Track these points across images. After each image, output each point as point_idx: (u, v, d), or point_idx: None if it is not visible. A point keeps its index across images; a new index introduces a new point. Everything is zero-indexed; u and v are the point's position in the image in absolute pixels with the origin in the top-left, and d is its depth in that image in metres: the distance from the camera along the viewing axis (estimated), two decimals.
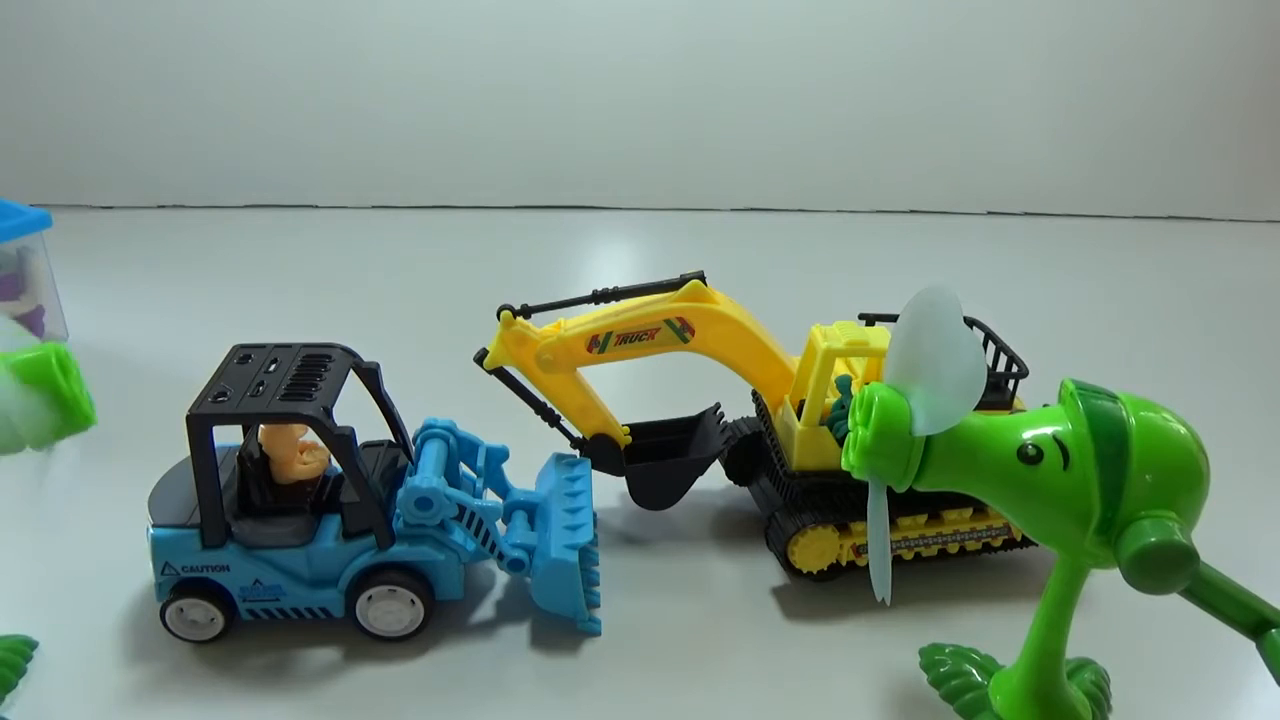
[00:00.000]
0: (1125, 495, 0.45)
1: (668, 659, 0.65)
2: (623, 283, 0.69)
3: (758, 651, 0.66)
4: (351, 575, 0.63)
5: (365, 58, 1.51)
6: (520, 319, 0.68)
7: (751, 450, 0.79)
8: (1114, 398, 0.47)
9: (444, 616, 0.67)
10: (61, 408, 0.51)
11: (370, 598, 0.63)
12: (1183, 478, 0.46)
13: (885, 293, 1.30)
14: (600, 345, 0.69)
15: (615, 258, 1.47)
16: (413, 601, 0.64)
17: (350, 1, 1.47)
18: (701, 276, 0.68)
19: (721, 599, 0.71)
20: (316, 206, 1.59)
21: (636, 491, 0.76)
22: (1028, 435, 0.47)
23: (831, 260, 1.45)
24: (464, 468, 0.72)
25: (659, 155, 1.60)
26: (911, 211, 1.64)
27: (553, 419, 0.73)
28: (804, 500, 0.70)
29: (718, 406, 0.78)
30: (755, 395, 0.77)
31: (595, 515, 0.71)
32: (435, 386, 0.83)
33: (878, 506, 0.51)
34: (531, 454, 0.75)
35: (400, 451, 0.70)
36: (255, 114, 1.53)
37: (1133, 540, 0.44)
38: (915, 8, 1.50)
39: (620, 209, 1.61)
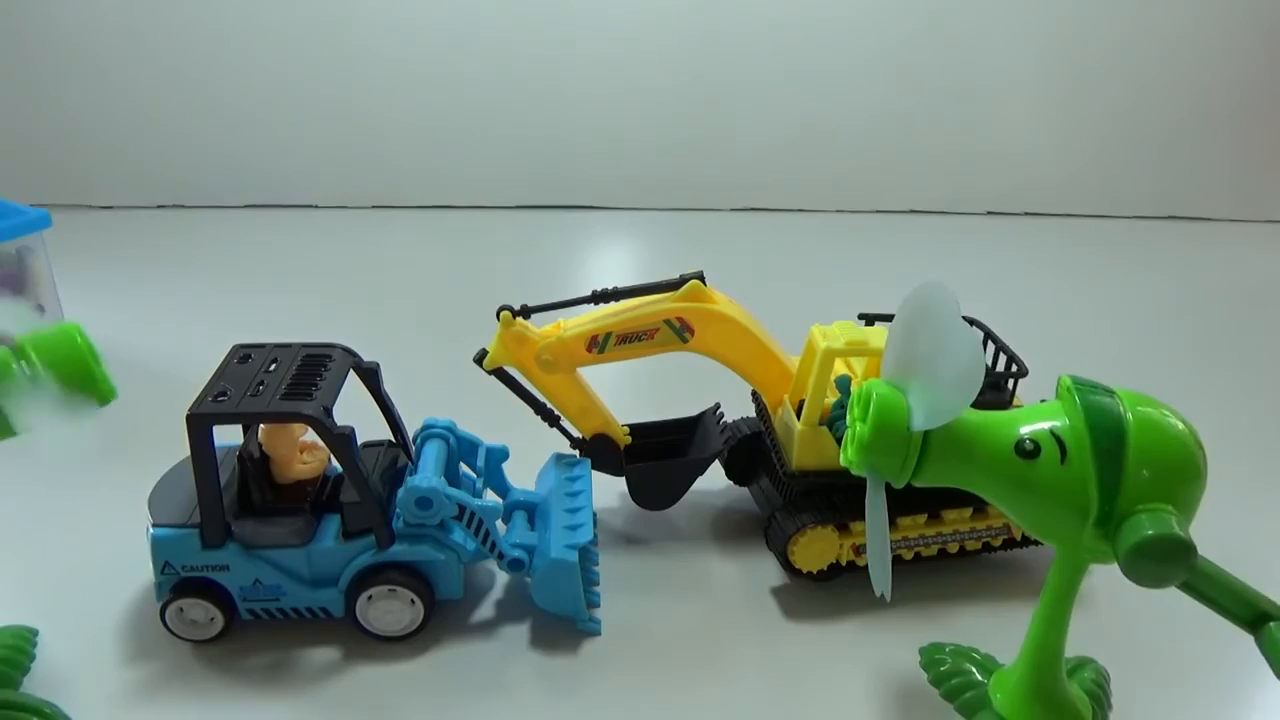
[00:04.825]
0: (1123, 489, 0.45)
1: (668, 659, 0.65)
2: (623, 283, 0.69)
3: (758, 651, 0.66)
4: (351, 575, 0.63)
5: (365, 58, 1.51)
6: (520, 319, 0.68)
7: (751, 450, 0.78)
8: (1111, 393, 0.48)
9: (444, 616, 0.67)
10: (87, 386, 0.52)
11: (370, 597, 0.63)
12: (1180, 472, 0.46)
13: (885, 293, 1.30)
14: (600, 345, 0.69)
15: (615, 258, 1.47)
16: (413, 601, 0.64)
17: (351, 4, 1.47)
18: (701, 276, 0.68)
19: (721, 599, 0.71)
20: (316, 206, 1.59)
21: (636, 492, 0.76)
22: (1025, 430, 0.48)
23: (831, 260, 1.45)
24: (464, 467, 0.72)
25: (659, 155, 1.60)
26: (911, 211, 1.64)
27: (552, 419, 0.73)
28: (804, 500, 0.69)
29: (717, 407, 0.78)
30: (755, 395, 0.77)
31: (595, 515, 0.71)
32: (435, 386, 0.83)
33: (876, 503, 0.51)
34: (531, 454, 0.75)
35: (400, 451, 0.70)
36: (255, 114, 1.53)
37: (1130, 534, 0.44)
38: (915, 9, 1.50)
39: (620, 209, 1.61)
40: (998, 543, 0.72)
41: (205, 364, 0.64)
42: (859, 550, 0.69)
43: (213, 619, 0.64)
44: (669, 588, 0.72)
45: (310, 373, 0.62)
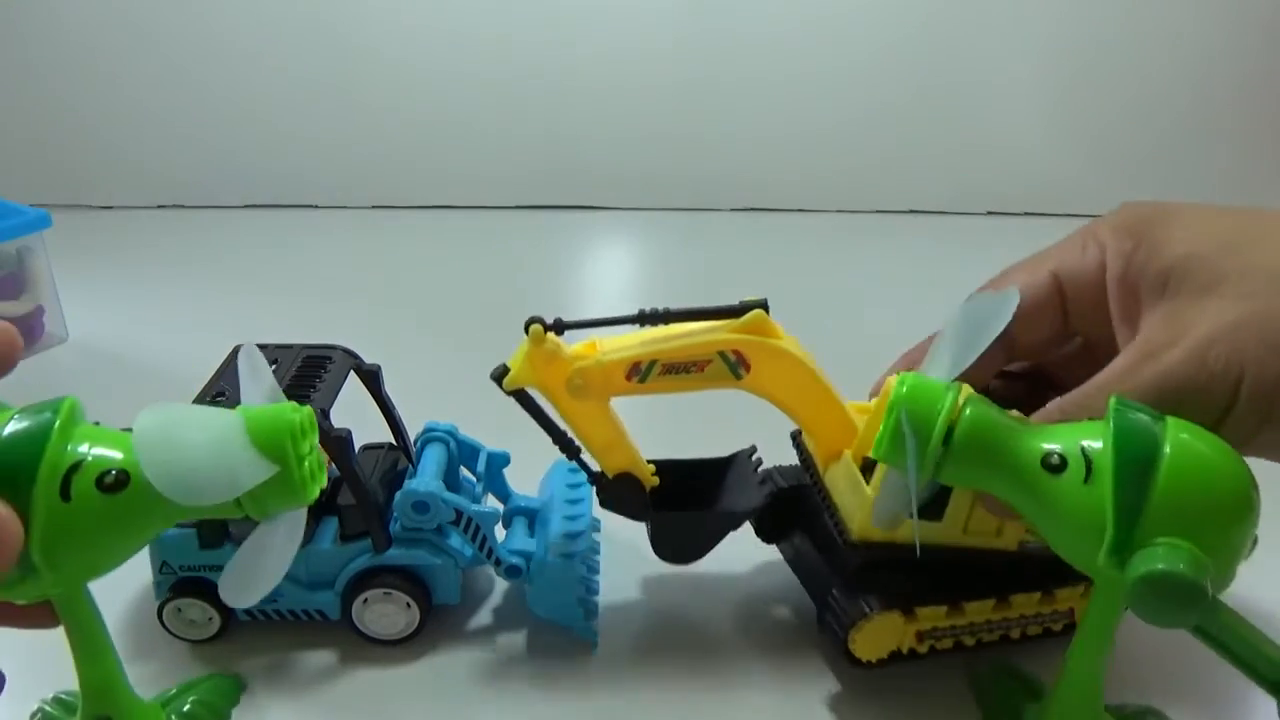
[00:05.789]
0: (1143, 519, 0.42)
1: (665, 666, 0.65)
2: (646, 298, 0.61)
3: (759, 660, 0.66)
4: (348, 578, 0.63)
5: (365, 57, 1.51)
6: (551, 334, 0.58)
7: (787, 504, 0.67)
8: (1159, 419, 0.45)
9: (441, 621, 0.67)
10: (284, 478, 0.44)
11: (366, 600, 0.63)
12: (1216, 511, 0.43)
13: (885, 293, 1.31)
14: (642, 374, 0.59)
15: (615, 258, 1.47)
16: (409, 605, 0.64)
17: (351, 4, 1.47)
18: (765, 305, 0.59)
19: (723, 607, 0.70)
20: (316, 206, 1.59)
21: (658, 541, 0.67)
22: (1056, 444, 0.46)
23: (831, 260, 1.45)
24: (465, 472, 0.72)
25: (659, 155, 1.59)
26: (911, 211, 1.64)
27: (573, 451, 0.64)
28: (866, 577, 0.60)
29: (753, 450, 0.70)
30: (796, 439, 0.67)
31: (599, 522, 0.70)
32: (437, 389, 0.83)
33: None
34: (534, 460, 0.74)
35: (400, 455, 0.70)
36: (255, 114, 1.53)
37: (1139, 564, 0.42)
38: (915, 9, 1.50)
39: (620, 209, 1.61)
40: (1058, 627, 0.65)
41: (205, 364, 0.64)
42: (921, 637, 0.61)
43: (210, 619, 0.64)
44: (669, 595, 0.72)
45: (309, 374, 0.62)
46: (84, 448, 0.42)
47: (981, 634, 0.62)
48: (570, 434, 0.63)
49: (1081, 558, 0.46)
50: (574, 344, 0.60)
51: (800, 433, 0.66)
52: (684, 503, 0.67)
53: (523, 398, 0.61)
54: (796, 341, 0.62)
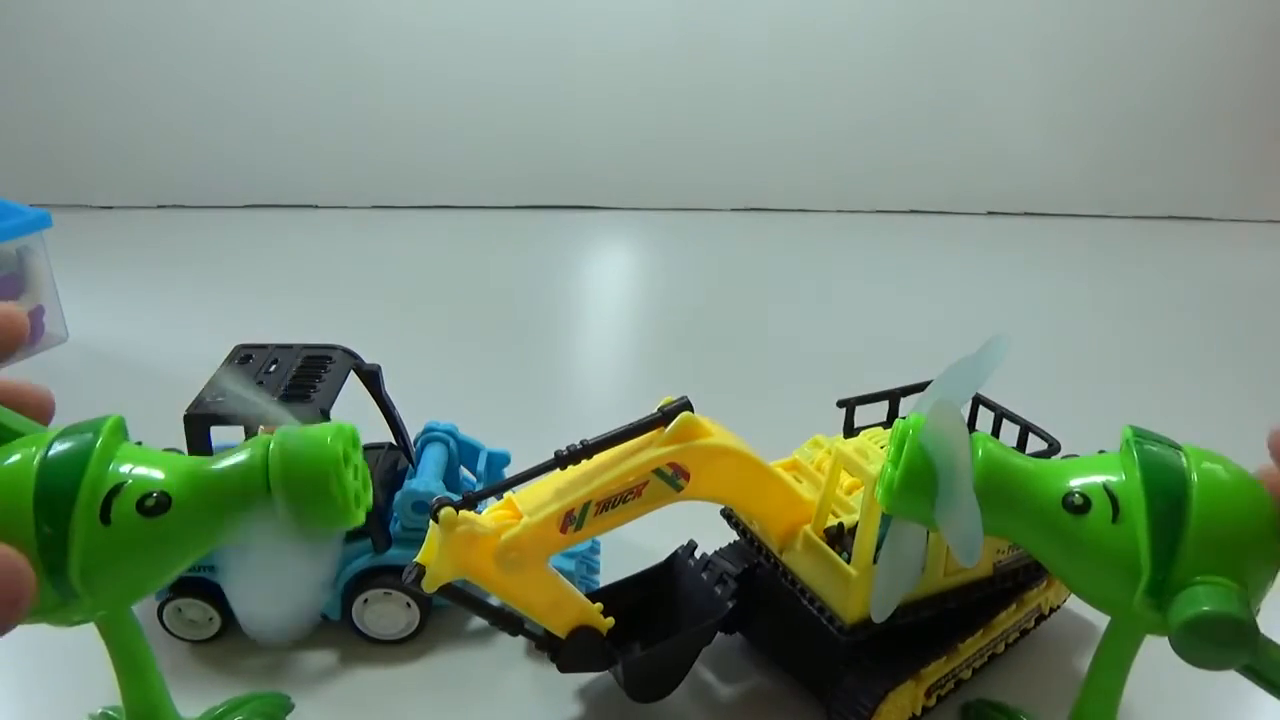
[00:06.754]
0: (1179, 556, 0.40)
1: None
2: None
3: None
4: (348, 578, 0.63)
5: (365, 59, 1.51)
6: (464, 513, 0.50)
7: (743, 590, 0.62)
8: (1177, 449, 0.43)
9: (441, 622, 0.67)
10: (319, 504, 0.42)
11: (366, 600, 0.63)
12: (1249, 543, 0.41)
13: (885, 293, 1.31)
14: (577, 521, 0.52)
15: (615, 258, 1.47)
16: (409, 604, 0.64)
17: (351, 4, 1.47)
18: (688, 405, 0.53)
19: None
20: (316, 206, 1.59)
21: (633, 685, 0.59)
22: (1075, 483, 0.43)
23: (831, 260, 1.45)
24: (465, 472, 0.72)
25: (659, 155, 1.60)
26: (911, 211, 1.64)
27: (516, 625, 0.56)
28: (869, 654, 0.57)
29: (693, 546, 0.65)
30: (729, 515, 0.62)
31: None
32: (437, 389, 0.83)
33: (911, 534, 0.48)
34: (534, 459, 0.74)
35: (400, 454, 0.70)
36: (256, 114, 1.53)
37: (1184, 607, 0.39)
38: (916, 10, 1.50)
39: (620, 209, 1.61)
40: (1031, 624, 0.67)
41: (205, 364, 0.64)
42: (929, 692, 0.60)
43: (210, 619, 0.64)
44: None
45: (310, 374, 0.62)
46: (126, 468, 0.41)
47: (974, 664, 0.63)
48: (508, 608, 0.55)
49: (1109, 599, 0.44)
50: (484, 511, 0.53)
51: (731, 510, 0.62)
52: (644, 631, 0.60)
53: (449, 592, 0.52)
54: (722, 427, 0.56)
